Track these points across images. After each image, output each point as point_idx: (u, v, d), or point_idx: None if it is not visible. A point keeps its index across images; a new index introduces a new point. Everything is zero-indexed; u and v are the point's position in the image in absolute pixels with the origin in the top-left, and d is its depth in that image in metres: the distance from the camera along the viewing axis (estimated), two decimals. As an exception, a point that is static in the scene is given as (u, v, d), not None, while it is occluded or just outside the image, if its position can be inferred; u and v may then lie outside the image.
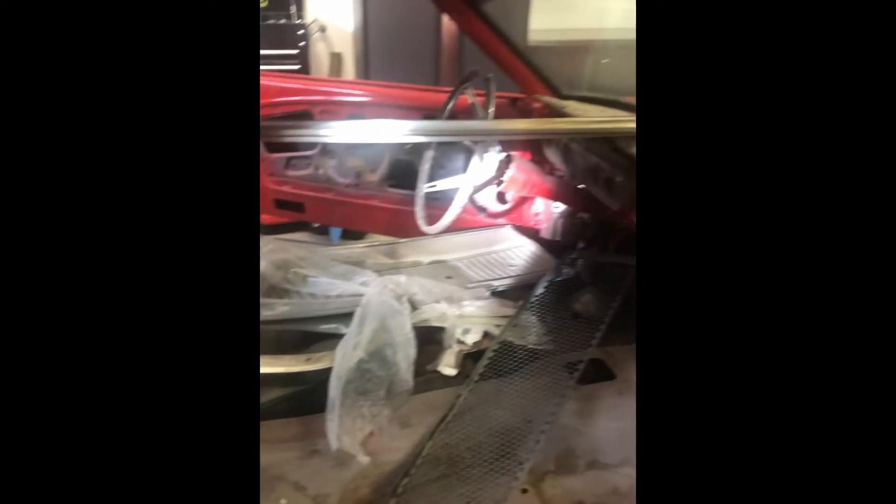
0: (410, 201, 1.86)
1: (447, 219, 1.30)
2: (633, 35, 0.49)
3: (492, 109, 1.24)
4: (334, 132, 1.11)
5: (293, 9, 3.01)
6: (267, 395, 1.22)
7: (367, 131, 1.08)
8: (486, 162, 1.30)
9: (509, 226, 1.79)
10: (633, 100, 1.44)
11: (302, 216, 2.21)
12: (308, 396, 1.20)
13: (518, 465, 1.07)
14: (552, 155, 1.52)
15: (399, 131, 1.03)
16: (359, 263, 1.37)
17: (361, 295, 1.20)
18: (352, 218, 2.09)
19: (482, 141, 1.28)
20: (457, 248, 1.62)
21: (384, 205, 1.99)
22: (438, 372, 1.25)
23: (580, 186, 1.41)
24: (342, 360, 1.08)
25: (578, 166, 1.34)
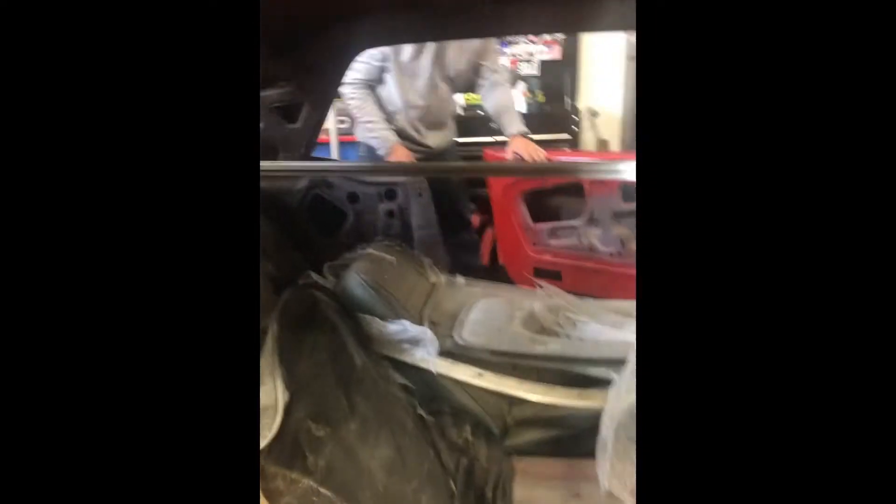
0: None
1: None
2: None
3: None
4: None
5: (567, 99, 3.25)
6: (530, 435, 1.23)
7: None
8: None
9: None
10: None
11: (559, 284, 2.26)
12: (573, 441, 1.17)
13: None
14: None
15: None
16: (629, 316, 1.33)
17: (632, 344, 1.16)
18: (610, 286, 2.06)
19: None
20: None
21: (650, 274, 1.93)
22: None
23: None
24: (615, 401, 1.03)
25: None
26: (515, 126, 2.06)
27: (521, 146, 2.01)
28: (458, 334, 1.23)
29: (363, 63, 1.97)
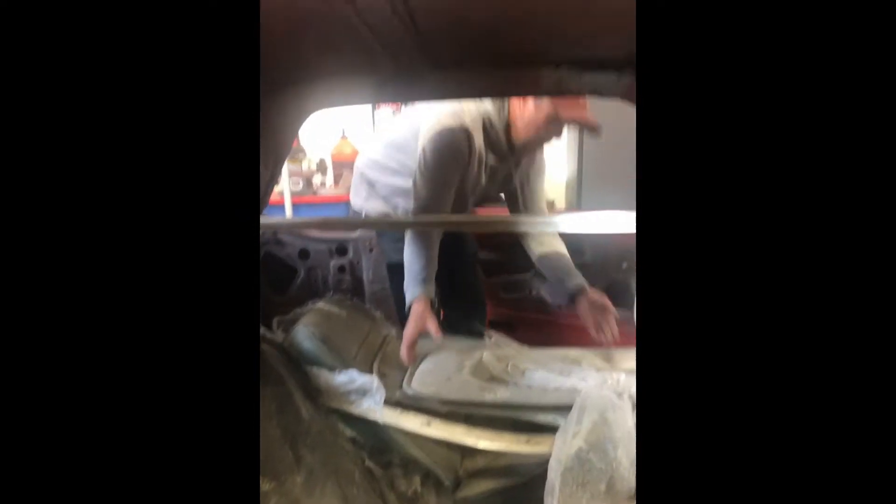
0: (624, 321, 1.83)
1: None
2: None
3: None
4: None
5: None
6: (482, 486, 1.22)
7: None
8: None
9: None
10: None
11: (512, 335, 2.30)
12: (522, 490, 1.17)
13: None
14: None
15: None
16: (576, 363, 1.37)
17: (579, 391, 1.19)
18: (559, 337, 2.11)
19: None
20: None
21: (597, 325, 1.99)
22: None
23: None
24: (561, 445, 1.05)
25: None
26: (579, 278, 1.72)
27: (597, 301, 1.62)
28: (408, 384, 1.24)
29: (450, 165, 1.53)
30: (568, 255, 1.76)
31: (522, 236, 1.86)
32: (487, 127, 1.58)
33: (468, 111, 1.55)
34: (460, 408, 1.22)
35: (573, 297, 1.66)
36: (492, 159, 1.65)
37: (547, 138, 1.64)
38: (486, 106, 1.56)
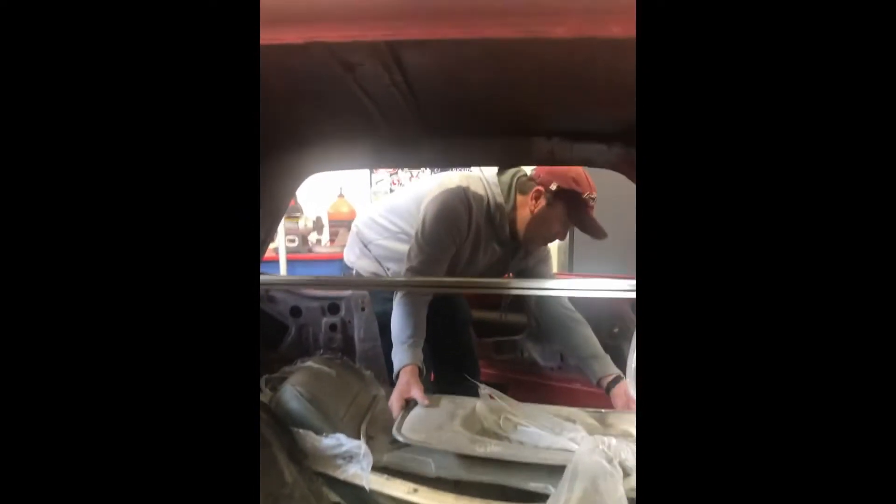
0: (617, 385, 1.81)
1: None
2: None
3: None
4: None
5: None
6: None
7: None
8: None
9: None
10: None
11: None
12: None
13: None
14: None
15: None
16: (569, 420, 1.36)
17: (570, 451, 1.17)
18: (551, 399, 2.09)
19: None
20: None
21: (588, 388, 1.97)
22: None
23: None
24: (551, 516, 1.02)
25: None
26: (612, 366, 1.71)
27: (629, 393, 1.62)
28: (398, 430, 1.22)
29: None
30: (595, 339, 1.76)
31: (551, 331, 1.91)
32: (491, 208, 1.62)
33: (473, 183, 1.60)
34: (450, 467, 1.18)
35: (609, 386, 1.68)
36: (493, 243, 1.70)
37: (550, 239, 1.72)
38: (495, 191, 1.61)
